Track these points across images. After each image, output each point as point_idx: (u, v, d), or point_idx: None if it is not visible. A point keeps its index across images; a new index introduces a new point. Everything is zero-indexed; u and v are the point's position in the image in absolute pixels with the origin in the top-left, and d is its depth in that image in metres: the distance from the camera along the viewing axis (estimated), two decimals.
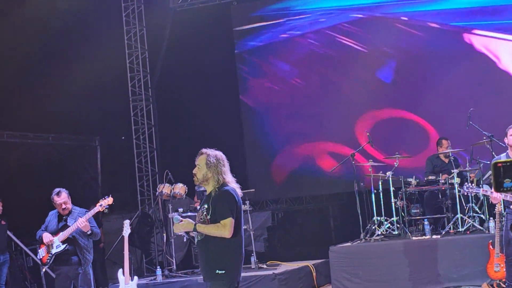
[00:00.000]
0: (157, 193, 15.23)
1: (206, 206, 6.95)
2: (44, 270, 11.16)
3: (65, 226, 10.58)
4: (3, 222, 14.11)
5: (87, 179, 19.22)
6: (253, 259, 13.90)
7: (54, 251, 10.57)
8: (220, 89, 19.41)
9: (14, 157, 17.73)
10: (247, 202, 13.92)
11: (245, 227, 14.29)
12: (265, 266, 13.90)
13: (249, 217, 14.13)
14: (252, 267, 13.79)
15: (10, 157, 17.51)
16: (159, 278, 13.57)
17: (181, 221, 7.06)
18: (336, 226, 18.89)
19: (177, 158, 18.78)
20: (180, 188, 14.24)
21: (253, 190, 14.62)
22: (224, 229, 6.71)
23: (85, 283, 10.64)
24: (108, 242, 18.35)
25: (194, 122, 19.49)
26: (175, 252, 14.87)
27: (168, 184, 14.32)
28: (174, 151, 19.59)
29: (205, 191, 13.83)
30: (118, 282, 12.58)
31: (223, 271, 6.73)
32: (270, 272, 13.04)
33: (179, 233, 7.21)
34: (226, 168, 7.08)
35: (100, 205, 10.57)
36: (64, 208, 10.65)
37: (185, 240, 15.34)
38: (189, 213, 14.41)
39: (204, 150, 7.21)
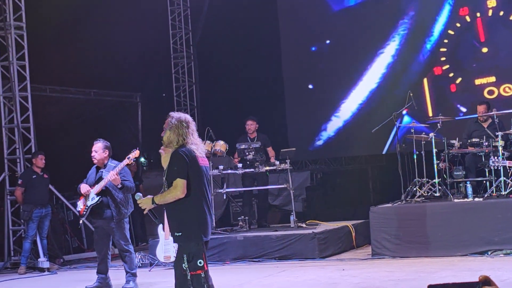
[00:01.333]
0: None
1: (165, 169, 6.97)
2: (81, 222, 11.21)
3: (100, 179, 10.63)
4: (45, 176, 14.23)
5: (127, 135, 19.30)
6: (292, 218, 13.90)
7: (89, 203, 10.63)
8: (262, 47, 19.30)
9: (56, 112, 17.86)
10: (287, 161, 13.88)
11: (285, 185, 14.30)
12: (304, 225, 13.89)
13: (289, 176, 14.10)
14: (291, 226, 13.80)
15: (52, 111, 17.63)
16: None
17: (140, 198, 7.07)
18: (375, 188, 18.83)
19: (217, 116, 18.80)
20: (221, 146, 14.23)
21: (294, 149, 14.57)
22: (175, 190, 6.69)
23: (120, 237, 10.69)
24: None
25: (235, 80, 19.45)
26: (214, 210, 14.91)
27: (209, 141, 14.30)
28: (214, 109, 19.60)
29: (246, 148, 13.91)
30: (158, 238, 12.68)
31: (180, 233, 6.71)
32: (310, 231, 13.04)
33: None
34: (190, 130, 7.00)
35: (128, 158, 10.57)
36: (93, 156, 10.69)
37: (224, 197, 15.37)
38: (229, 171, 14.44)
39: (170, 113, 7.16)
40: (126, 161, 10.55)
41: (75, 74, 18.15)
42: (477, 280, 1.99)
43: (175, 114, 7.06)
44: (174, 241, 6.89)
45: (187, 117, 7.07)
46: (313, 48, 18.56)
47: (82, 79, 18.07)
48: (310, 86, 18.51)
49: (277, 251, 12.92)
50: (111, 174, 10.37)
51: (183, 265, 6.58)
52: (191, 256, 6.61)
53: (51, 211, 14.53)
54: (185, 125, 6.94)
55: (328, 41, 18.38)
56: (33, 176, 14.04)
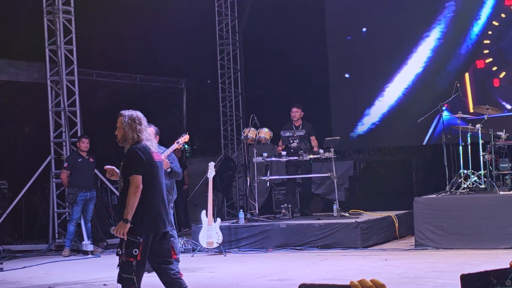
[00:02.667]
0: (241, 137, 15.27)
1: (121, 165, 7.20)
2: None
3: None
4: (90, 160, 14.35)
5: (172, 121, 19.39)
6: (335, 207, 13.88)
7: None
8: (307, 34, 19.24)
9: (102, 96, 18.00)
10: (331, 149, 13.85)
11: (329, 174, 14.26)
12: (347, 215, 13.86)
13: (333, 164, 14.07)
14: (334, 214, 13.78)
15: (99, 96, 17.77)
16: (241, 221, 13.65)
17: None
18: (418, 179, 18.72)
19: (262, 103, 18.82)
20: (265, 133, 14.24)
21: (338, 137, 14.54)
22: (132, 185, 6.94)
23: None
24: (190, 185, 18.57)
25: (280, 67, 19.43)
26: (257, 197, 14.93)
27: (253, 129, 14.31)
28: (259, 96, 19.62)
29: (290, 136, 13.89)
30: (201, 224, 12.74)
31: (132, 225, 6.89)
32: (353, 220, 13.02)
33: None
34: (143, 126, 7.24)
35: (177, 142, 10.58)
36: None
37: (268, 185, 15.38)
38: (273, 158, 14.45)
39: (122, 111, 7.34)
40: (175, 145, 10.59)
41: (122, 59, 18.26)
42: (508, 266, 1.96)
43: (127, 112, 7.27)
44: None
45: (139, 114, 7.30)
46: (348, 37, 18.45)
47: (128, 64, 18.17)
48: (351, 75, 18.41)
49: (319, 239, 12.92)
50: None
51: (118, 250, 6.95)
52: (130, 244, 6.87)
53: (96, 195, 14.66)
54: (137, 122, 7.19)
55: (364, 29, 18.24)
56: (79, 160, 14.16)
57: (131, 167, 7.02)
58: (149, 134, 7.31)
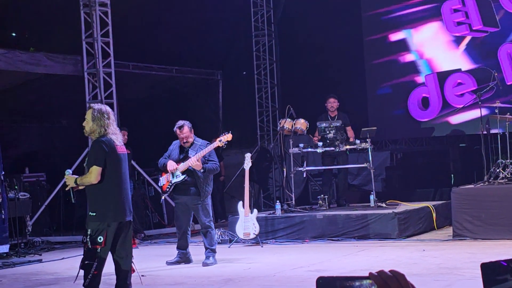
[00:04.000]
0: (278, 128, 15.26)
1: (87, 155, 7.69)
2: (163, 198, 11.36)
3: (186, 158, 10.71)
4: (127, 151, 14.39)
5: (208, 112, 19.44)
6: (372, 197, 13.82)
7: (174, 180, 10.74)
8: (342, 25, 19.15)
9: (138, 88, 18.08)
10: (368, 140, 13.80)
11: (365, 165, 14.20)
12: (384, 205, 13.79)
13: (370, 155, 14.01)
14: (371, 205, 13.73)
15: (135, 88, 17.85)
16: (278, 212, 13.65)
17: (71, 173, 7.82)
18: (456, 169, 18.56)
19: (297, 94, 18.77)
20: (301, 124, 14.21)
21: (375, 128, 14.47)
22: (89, 176, 7.39)
23: (203, 214, 10.79)
24: (227, 176, 18.60)
25: (316, 58, 19.37)
26: (294, 188, 14.92)
27: (289, 119, 14.29)
28: (295, 87, 19.57)
29: (327, 127, 13.84)
30: (238, 215, 12.76)
31: (94, 213, 7.35)
32: (390, 211, 12.96)
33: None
34: (111, 121, 7.60)
35: (220, 141, 10.65)
36: (186, 142, 10.79)
37: (304, 176, 15.36)
38: (309, 149, 14.43)
39: (91, 104, 7.86)
40: (217, 144, 10.65)
41: (158, 51, 18.33)
42: None
43: (96, 106, 7.63)
44: (87, 219, 7.42)
45: (107, 108, 7.68)
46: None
47: (164, 56, 18.23)
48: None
49: (356, 230, 12.88)
50: (193, 161, 10.48)
51: (84, 238, 7.35)
52: (94, 232, 7.26)
53: (133, 186, 14.72)
54: (106, 116, 7.54)
55: None
56: None
57: (93, 159, 7.43)
58: (115, 128, 7.67)
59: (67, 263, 11.86)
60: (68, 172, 7.82)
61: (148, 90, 18.62)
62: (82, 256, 7.36)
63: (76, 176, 7.66)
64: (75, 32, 15.52)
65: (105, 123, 7.51)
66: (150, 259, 11.81)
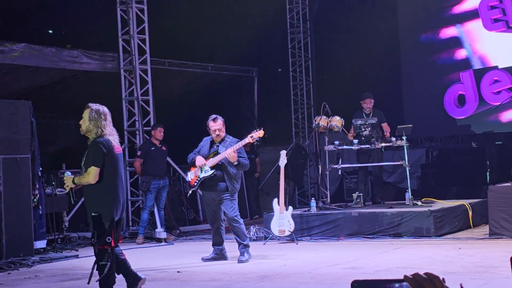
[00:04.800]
0: (313, 125, 15.24)
1: (84, 155, 7.81)
2: (190, 192, 11.37)
3: (216, 153, 10.73)
4: (163, 148, 14.49)
5: (243, 110, 19.47)
6: (407, 195, 13.76)
7: (202, 175, 10.75)
8: (378, 22, 19.10)
9: (174, 85, 18.15)
10: (404, 137, 13.74)
11: (401, 162, 14.14)
12: (419, 203, 13.72)
13: (405, 153, 13.95)
14: (407, 203, 13.66)
15: (171, 85, 17.93)
16: (313, 210, 13.64)
17: (71, 174, 7.95)
18: (492, 167, 18.43)
19: (333, 91, 18.74)
20: (337, 121, 14.19)
21: (411, 125, 14.40)
22: (88, 176, 7.57)
23: (230, 208, 10.79)
24: (262, 173, 18.62)
25: (351, 56, 19.32)
26: (329, 185, 14.90)
27: (325, 117, 14.28)
28: (330, 84, 19.56)
29: (362, 124, 13.81)
30: (273, 212, 12.77)
31: (96, 214, 7.55)
32: (426, 209, 12.90)
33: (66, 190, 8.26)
34: (107, 121, 7.76)
35: (251, 137, 10.64)
36: (218, 135, 10.79)
37: (339, 173, 15.34)
38: (344, 146, 14.41)
39: (89, 104, 7.83)
40: (248, 140, 10.65)
41: (193, 48, 18.39)
42: None
43: (94, 106, 7.76)
44: (89, 220, 7.66)
45: (105, 109, 7.83)
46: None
47: (200, 53, 18.29)
48: (422, 63, 18.25)
49: (392, 228, 12.84)
50: (229, 152, 10.46)
51: (93, 239, 7.52)
52: (100, 233, 7.48)
53: (168, 183, 14.80)
54: (103, 117, 7.71)
55: None
56: (152, 148, 14.31)
57: (92, 159, 7.60)
58: (112, 129, 7.84)
59: None
60: (67, 173, 7.99)
61: (183, 87, 18.68)
62: (96, 258, 7.55)
63: (74, 176, 7.85)
64: (112, 29, 15.64)
65: (101, 124, 7.70)
66: (186, 256, 11.87)
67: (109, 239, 7.49)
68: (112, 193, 7.68)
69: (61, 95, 16.38)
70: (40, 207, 12.81)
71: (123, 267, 7.96)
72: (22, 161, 12.27)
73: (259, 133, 10.63)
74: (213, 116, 10.89)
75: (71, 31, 19.83)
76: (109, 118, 7.83)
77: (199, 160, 10.81)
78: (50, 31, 20.20)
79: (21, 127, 12.41)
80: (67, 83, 16.17)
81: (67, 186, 7.90)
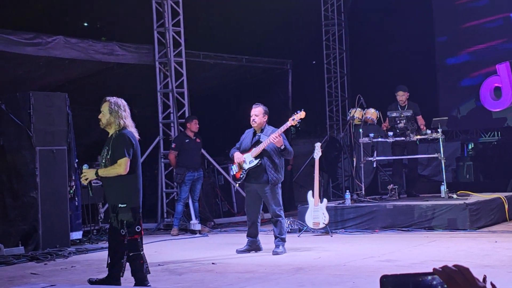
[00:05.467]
0: (348, 117, 15.21)
1: (107, 147, 7.85)
2: (237, 185, 11.38)
3: (258, 142, 10.71)
4: (197, 140, 14.51)
5: (277, 102, 19.42)
6: (442, 188, 13.69)
7: (247, 166, 10.75)
8: (413, 14, 18.99)
9: (209, 78, 18.18)
10: (439, 130, 13.66)
11: (436, 155, 14.07)
12: (455, 196, 13.65)
13: (441, 145, 13.87)
14: (442, 196, 13.60)
15: (205, 77, 17.95)
16: (348, 202, 13.62)
17: (89, 167, 8.15)
18: None
19: (367, 84, 18.69)
20: (372, 113, 14.14)
21: (446, 118, 14.34)
22: (119, 167, 7.63)
23: (274, 203, 10.80)
24: (295, 166, 18.60)
25: (386, 47, 19.26)
26: (363, 178, 14.85)
27: (359, 109, 14.24)
28: (364, 76, 19.48)
29: (397, 116, 13.74)
30: (307, 204, 12.76)
31: (125, 205, 7.64)
32: (461, 202, 12.83)
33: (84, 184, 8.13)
34: (127, 113, 7.89)
35: (293, 119, 10.58)
36: (253, 120, 10.76)
37: (374, 166, 15.29)
38: (379, 139, 14.35)
39: (107, 98, 7.92)
40: (290, 122, 10.61)
41: (228, 41, 18.40)
42: None
43: (112, 99, 7.87)
44: (114, 211, 7.73)
45: (123, 101, 7.94)
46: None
47: (234, 46, 18.29)
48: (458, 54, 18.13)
49: (426, 221, 12.78)
50: (274, 136, 10.40)
51: (122, 230, 7.58)
52: (130, 222, 7.61)
53: (203, 175, 14.84)
54: (123, 108, 7.84)
55: None
56: (186, 140, 14.34)
57: (122, 150, 7.66)
58: (131, 121, 7.95)
59: None
60: (85, 166, 8.16)
61: (218, 80, 18.70)
62: (126, 250, 7.61)
63: (95, 169, 7.92)
64: (147, 22, 15.69)
65: (122, 115, 7.81)
66: (220, 247, 11.90)
67: (138, 228, 7.67)
68: (137, 183, 7.85)
69: (96, 87, 16.46)
70: (76, 198, 12.92)
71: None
72: (58, 153, 12.38)
73: (300, 115, 10.56)
74: (257, 103, 10.93)
75: (106, 23, 19.95)
76: (128, 110, 7.96)
77: (238, 156, 10.81)
78: (85, 24, 20.32)
79: (57, 119, 12.52)
80: (103, 76, 16.26)
81: (86, 179, 7.97)
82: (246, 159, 10.74)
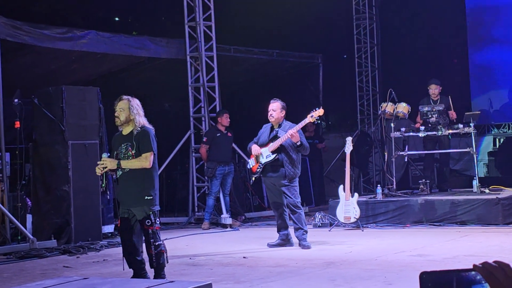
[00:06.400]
0: (379, 111, 15.16)
1: (129, 143, 8.01)
2: (253, 179, 11.38)
3: (275, 137, 10.72)
4: (229, 134, 14.53)
5: (308, 96, 19.42)
6: (475, 182, 13.60)
7: (264, 161, 10.76)
8: (445, 7, 18.87)
9: (240, 72, 18.20)
10: (471, 124, 13.58)
11: (468, 150, 13.98)
12: (487, 191, 13.55)
13: (473, 140, 13.78)
14: (474, 190, 13.51)
15: (236, 71, 17.97)
16: (379, 197, 13.58)
17: (109, 156, 8.14)
18: None
19: (399, 78, 18.60)
20: (403, 108, 14.08)
21: (479, 112, 14.25)
22: (146, 160, 7.87)
23: (291, 194, 10.78)
24: (326, 160, 18.58)
25: (417, 41, 19.16)
26: (395, 172, 14.80)
27: (391, 103, 14.19)
28: (396, 71, 19.39)
29: (429, 111, 13.64)
30: (338, 198, 12.74)
31: (151, 197, 7.91)
32: (493, 196, 12.73)
33: (99, 173, 8.24)
34: (142, 111, 8.13)
35: (311, 116, 10.58)
36: (271, 115, 10.78)
37: (405, 160, 15.22)
38: (411, 133, 14.29)
39: (124, 96, 8.15)
40: (308, 119, 10.61)
41: (259, 35, 18.40)
42: None
43: (131, 98, 8.09)
44: (138, 204, 7.92)
45: (138, 100, 8.20)
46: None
47: (265, 40, 18.29)
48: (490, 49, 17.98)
49: (458, 215, 12.71)
50: (291, 132, 10.41)
51: (147, 221, 7.81)
52: (155, 215, 7.89)
53: (234, 169, 14.85)
54: (140, 107, 8.09)
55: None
56: (217, 134, 14.37)
57: (149, 145, 7.91)
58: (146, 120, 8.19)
59: (170, 244, 12.01)
60: (106, 155, 8.21)
61: (248, 74, 18.71)
62: (151, 240, 7.85)
63: (117, 160, 7.99)
64: (178, 16, 15.74)
65: (140, 113, 8.05)
66: (251, 241, 11.91)
67: (158, 221, 7.98)
68: (157, 177, 8.12)
69: (128, 81, 16.55)
70: (108, 192, 12.99)
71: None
72: (90, 147, 12.46)
73: (319, 112, 10.56)
74: (275, 98, 10.94)
75: (137, 18, 20.04)
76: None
77: (255, 149, 10.84)
78: (117, 19, 20.42)
79: (89, 113, 12.60)
80: (134, 70, 16.33)
81: (105, 168, 8.05)
82: (263, 153, 10.75)
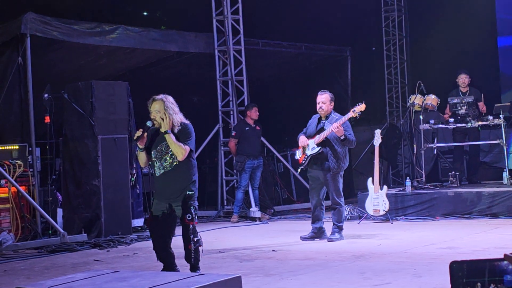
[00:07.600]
0: (408, 104, 15.11)
1: (164, 143, 7.90)
2: (299, 170, 11.40)
3: (322, 130, 10.73)
4: (257, 128, 14.55)
5: (337, 89, 19.32)
6: (505, 174, 13.53)
7: (309, 153, 10.78)
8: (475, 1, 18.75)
9: (268, 65, 18.19)
10: (501, 116, 13.49)
11: (498, 141, 13.89)
12: None
13: (503, 131, 13.69)
14: (504, 183, 13.44)
15: (265, 65, 17.97)
16: (408, 189, 13.54)
17: (153, 125, 7.97)
18: None
19: (427, 70, 18.49)
20: (432, 100, 14.02)
21: (509, 103, 14.14)
22: (181, 150, 7.79)
23: (333, 189, 10.79)
24: (355, 153, 18.52)
25: (446, 33, 19.01)
26: (424, 165, 14.74)
27: (420, 95, 14.13)
28: (425, 63, 19.27)
29: (458, 103, 13.57)
30: (367, 191, 12.73)
31: (192, 192, 7.90)
32: None
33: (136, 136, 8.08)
34: (177, 108, 8.04)
35: (353, 111, 10.63)
36: (320, 107, 10.80)
37: (434, 152, 15.15)
38: (440, 125, 14.23)
39: (157, 96, 8.00)
40: (350, 114, 10.64)
41: (287, 28, 18.38)
42: None
43: (165, 97, 7.98)
44: (180, 200, 7.86)
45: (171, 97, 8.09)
46: None
47: (293, 33, 18.26)
48: None
49: (488, 208, 12.65)
50: (335, 126, 10.43)
51: (188, 216, 7.78)
52: (196, 210, 7.89)
53: (263, 163, 14.87)
54: (175, 104, 8.01)
55: None
56: (246, 128, 14.39)
57: (190, 139, 7.91)
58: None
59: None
60: (150, 123, 7.97)
61: (277, 67, 18.69)
62: (191, 234, 7.82)
63: (168, 130, 7.88)
64: (206, 10, 15.76)
65: (176, 110, 7.98)
66: (280, 235, 11.93)
67: (196, 215, 7.96)
68: (197, 174, 8.10)
69: (157, 75, 16.60)
70: (137, 186, 13.07)
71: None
72: (120, 141, 12.53)
73: (361, 107, 10.59)
74: (323, 90, 10.95)
75: (165, 12, 20.08)
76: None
77: (302, 140, 10.88)
78: (145, 13, 20.49)
79: (118, 107, 12.67)
80: (163, 64, 16.38)
81: (146, 133, 7.98)
82: (309, 145, 10.77)
